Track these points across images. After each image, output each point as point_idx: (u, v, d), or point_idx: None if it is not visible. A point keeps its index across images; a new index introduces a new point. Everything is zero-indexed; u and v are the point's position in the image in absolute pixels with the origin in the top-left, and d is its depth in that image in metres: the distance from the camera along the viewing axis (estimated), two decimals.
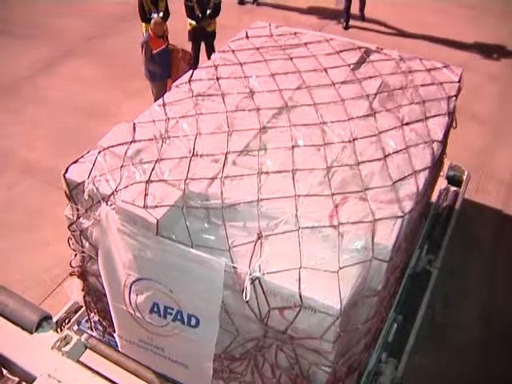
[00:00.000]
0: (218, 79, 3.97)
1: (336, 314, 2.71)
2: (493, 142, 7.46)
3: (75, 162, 3.38)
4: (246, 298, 2.83)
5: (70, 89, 9.06)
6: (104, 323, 3.89)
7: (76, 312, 4.21)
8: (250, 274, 2.80)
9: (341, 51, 4.33)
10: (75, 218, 3.39)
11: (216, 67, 4.11)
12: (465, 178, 5.42)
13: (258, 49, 4.34)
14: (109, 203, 3.13)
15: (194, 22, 8.64)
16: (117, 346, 3.83)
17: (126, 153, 3.34)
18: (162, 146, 3.41)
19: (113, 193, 3.13)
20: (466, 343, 5.13)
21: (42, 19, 11.22)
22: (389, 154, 3.37)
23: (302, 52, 4.33)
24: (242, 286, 2.86)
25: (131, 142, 3.42)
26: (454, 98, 3.88)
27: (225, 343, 3.28)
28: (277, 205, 3.05)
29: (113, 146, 3.40)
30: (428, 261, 4.57)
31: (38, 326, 2.14)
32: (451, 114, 3.79)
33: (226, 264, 2.84)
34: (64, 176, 3.31)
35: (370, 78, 4.05)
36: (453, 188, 5.29)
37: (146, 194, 3.07)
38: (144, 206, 3.00)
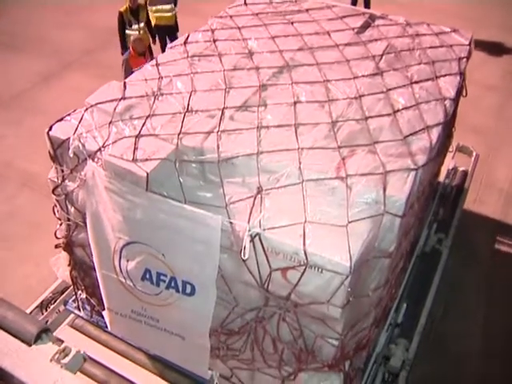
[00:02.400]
0: (214, 41, 3.73)
1: (345, 273, 2.44)
2: (492, 152, 7.42)
3: (60, 120, 3.13)
4: (244, 256, 2.57)
5: (69, 101, 8.76)
6: (92, 301, 3.60)
7: (63, 293, 3.93)
8: (250, 230, 2.53)
9: (344, 16, 4.10)
10: (60, 181, 3.12)
11: (213, 31, 3.88)
12: (473, 159, 5.20)
13: (257, 14, 4.11)
14: (95, 160, 2.87)
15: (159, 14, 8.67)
16: (106, 326, 3.55)
17: (115, 109, 3.10)
18: (154, 102, 3.16)
19: (100, 149, 2.88)
20: (466, 352, 5.01)
21: (41, 32, 11.14)
22: (398, 110, 3.12)
23: (304, 17, 4.10)
24: (240, 246, 2.60)
25: (121, 99, 3.18)
26: (464, 60, 3.64)
27: (222, 315, 3.00)
28: (278, 158, 2.79)
29: (101, 103, 3.15)
30: (438, 240, 4.31)
31: (37, 339, 2.08)
32: (462, 76, 3.55)
33: (222, 221, 2.57)
34: (48, 134, 3.05)
35: (376, 40, 3.82)
36: (461, 168, 5.05)
37: (135, 148, 2.81)
38: (133, 160, 2.74)
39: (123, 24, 8.33)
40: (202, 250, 2.73)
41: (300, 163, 2.73)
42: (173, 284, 2.93)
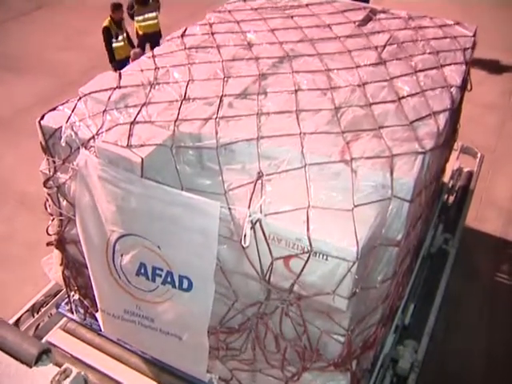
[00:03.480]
0: (213, 34, 3.64)
1: (352, 259, 2.30)
2: (492, 169, 7.36)
3: (53, 109, 3.01)
4: (244, 243, 2.43)
5: None
6: (85, 302, 3.44)
7: (55, 296, 3.76)
8: (250, 216, 2.40)
9: (345, 11, 4.02)
10: (51, 173, 2.99)
11: (211, 25, 3.79)
12: (477, 160, 5.08)
13: (256, 9, 4.03)
14: (88, 148, 2.74)
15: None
16: (99, 329, 3.39)
17: (109, 98, 2.98)
18: (149, 91, 3.05)
19: (93, 137, 2.75)
20: (467, 372, 4.88)
21: (41, 54, 11.13)
22: (403, 97, 3.01)
23: (304, 11, 4.01)
24: (240, 234, 2.46)
25: (116, 88, 3.07)
26: (470, 50, 3.54)
27: (221, 312, 2.85)
28: (279, 143, 2.67)
29: (95, 92, 3.04)
30: (444, 240, 4.16)
31: (38, 360, 2.01)
32: (468, 66, 3.45)
33: (221, 207, 2.44)
34: (39, 123, 2.93)
35: (378, 32, 3.72)
36: (466, 169, 4.93)
37: (130, 135, 2.69)
38: (128, 146, 2.62)
39: (110, 37, 8.53)
40: (199, 240, 2.59)
41: (302, 147, 2.61)
42: (169, 279, 2.78)
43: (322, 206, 2.41)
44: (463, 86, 3.39)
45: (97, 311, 3.31)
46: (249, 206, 2.42)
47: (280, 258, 2.46)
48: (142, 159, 2.53)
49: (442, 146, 3.02)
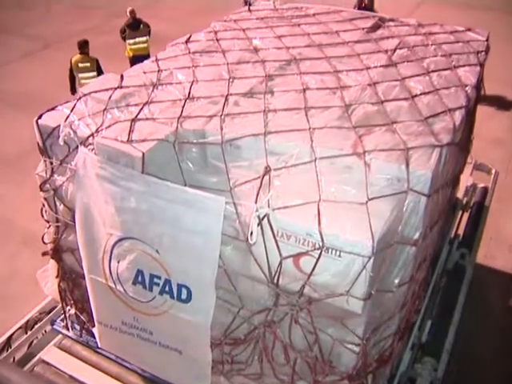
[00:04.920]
0: (218, 40, 3.56)
1: (367, 254, 2.12)
2: (501, 206, 7.13)
3: (51, 109, 2.90)
4: (251, 240, 2.26)
5: None
6: (82, 317, 3.25)
7: (50, 312, 3.57)
8: (257, 211, 2.24)
9: (353, 19, 3.95)
10: (48, 175, 2.86)
11: (216, 32, 3.71)
12: (492, 176, 4.91)
13: (262, 18, 3.97)
14: (87, 147, 2.62)
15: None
16: (96, 346, 3.19)
17: (110, 97, 2.87)
18: (152, 91, 2.94)
19: (92, 134, 2.63)
20: None
21: (46, 92, 11.11)
22: (416, 95, 2.88)
23: (311, 20, 3.94)
24: (246, 233, 2.29)
25: (117, 88, 2.96)
26: (483, 53, 3.43)
27: (225, 321, 2.66)
28: (288, 138, 2.53)
29: (95, 92, 2.93)
30: (461, 255, 3.96)
31: None
32: (482, 69, 3.33)
33: (226, 204, 2.28)
34: (37, 122, 2.82)
35: (387, 38, 3.63)
36: (480, 185, 4.76)
37: (131, 131, 2.56)
38: (128, 141, 2.49)
39: (72, 74, 8.71)
40: (200, 243, 2.43)
41: (312, 141, 2.46)
42: (167, 288, 2.61)
43: (334, 200, 2.25)
44: (478, 88, 3.27)
45: (93, 326, 3.12)
46: (256, 201, 2.26)
47: (289, 256, 2.28)
48: (143, 153, 2.40)
49: (458, 146, 2.87)
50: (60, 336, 3.40)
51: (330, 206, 2.23)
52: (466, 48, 3.48)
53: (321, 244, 2.17)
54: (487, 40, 3.63)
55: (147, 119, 2.67)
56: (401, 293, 2.58)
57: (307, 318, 2.44)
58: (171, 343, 2.77)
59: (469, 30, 3.79)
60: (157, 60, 3.31)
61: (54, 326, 3.42)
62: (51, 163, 2.84)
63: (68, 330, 3.37)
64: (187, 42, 3.56)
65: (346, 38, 3.58)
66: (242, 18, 3.99)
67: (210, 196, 2.31)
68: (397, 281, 2.49)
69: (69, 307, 3.31)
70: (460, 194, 4.58)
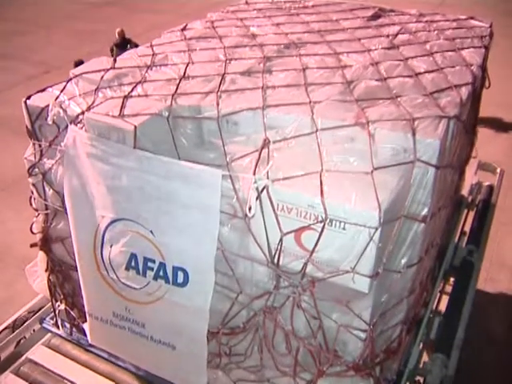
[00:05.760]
0: (214, 28, 3.47)
1: (374, 224, 1.99)
2: (501, 228, 6.97)
3: (41, 90, 2.79)
4: (249, 214, 2.12)
5: None
6: (72, 313, 3.08)
7: (40, 310, 3.39)
8: (255, 182, 2.10)
9: (353, 9, 3.87)
10: (37, 158, 2.73)
11: (213, 22, 3.63)
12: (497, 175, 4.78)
13: (260, 9, 3.89)
14: (77, 125, 2.49)
15: None
16: (87, 345, 3.02)
17: (102, 77, 2.76)
18: (146, 71, 2.83)
19: (83, 112, 2.50)
20: None
21: None
22: (420, 73, 2.77)
23: (310, 10, 3.87)
24: (244, 209, 2.16)
25: (110, 69, 2.85)
26: (487, 38, 3.34)
27: (223, 309, 2.50)
28: (287, 112, 2.41)
29: (87, 73, 2.82)
30: (468, 252, 3.80)
31: None
32: (487, 51, 3.23)
33: (222, 179, 2.15)
34: (25, 103, 2.70)
35: (388, 25, 3.54)
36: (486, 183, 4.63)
37: (122, 106, 2.45)
38: (120, 115, 2.37)
39: None
40: (198, 219, 2.29)
41: (312, 114, 2.34)
42: (161, 272, 2.46)
43: (337, 170, 2.12)
44: (483, 74, 3.16)
45: (84, 322, 2.95)
46: (254, 173, 2.13)
47: (290, 232, 2.14)
48: (135, 127, 2.28)
49: (464, 127, 2.74)
50: (49, 335, 3.22)
51: (333, 177, 2.10)
52: (470, 33, 3.39)
53: (324, 216, 2.03)
54: (491, 26, 3.54)
55: (140, 96, 2.56)
56: (408, 276, 2.43)
57: (310, 302, 2.28)
58: (164, 337, 2.60)
59: (471, 18, 3.71)
60: (151, 46, 3.21)
61: (43, 324, 3.25)
62: (40, 146, 2.72)
63: (58, 327, 3.20)
64: (183, 30, 3.47)
65: (346, 26, 3.49)
66: (240, 10, 3.91)
67: (207, 169, 2.18)
68: (404, 261, 2.34)
69: (58, 303, 3.14)
70: (465, 192, 4.45)
